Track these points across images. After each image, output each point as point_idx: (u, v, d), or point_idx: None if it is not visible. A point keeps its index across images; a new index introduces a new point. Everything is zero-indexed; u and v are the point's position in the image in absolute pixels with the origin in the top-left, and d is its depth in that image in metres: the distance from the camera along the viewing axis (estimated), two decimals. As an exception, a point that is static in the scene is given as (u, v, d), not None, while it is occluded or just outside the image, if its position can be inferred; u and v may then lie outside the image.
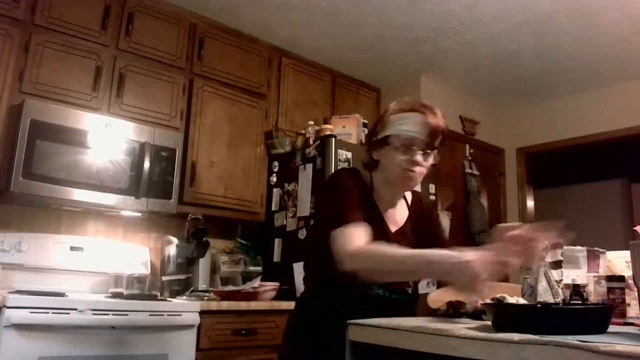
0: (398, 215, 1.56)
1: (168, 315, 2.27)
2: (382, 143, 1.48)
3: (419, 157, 1.43)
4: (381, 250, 1.30)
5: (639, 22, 3.08)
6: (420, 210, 1.63)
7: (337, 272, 1.30)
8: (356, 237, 1.32)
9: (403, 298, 1.48)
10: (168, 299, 2.52)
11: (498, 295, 1.44)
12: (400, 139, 1.43)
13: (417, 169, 1.44)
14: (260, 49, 3.39)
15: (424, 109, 1.44)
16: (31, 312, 1.95)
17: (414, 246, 1.48)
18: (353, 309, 1.35)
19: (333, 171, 2.90)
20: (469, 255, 1.10)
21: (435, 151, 1.48)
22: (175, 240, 2.88)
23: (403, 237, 1.52)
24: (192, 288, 2.75)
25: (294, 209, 3.04)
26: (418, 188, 1.66)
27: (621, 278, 1.51)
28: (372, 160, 1.53)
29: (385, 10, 3.07)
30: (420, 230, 1.59)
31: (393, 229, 1.52)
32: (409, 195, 1.64)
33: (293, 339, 1.54)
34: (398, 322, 1.20)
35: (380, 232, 1.46)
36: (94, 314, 2.07)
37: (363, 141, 3.32)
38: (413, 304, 1.53)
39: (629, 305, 1.48)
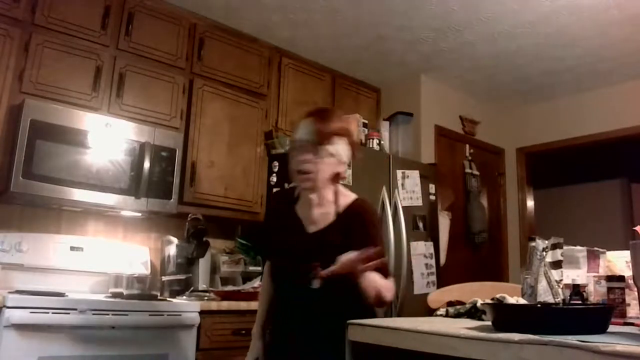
0: (317, 216, 1.63)
1: (168, 315, 2.28)
2: None
3: (306, 156, 1.54)
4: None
5: (639, 22, 3.08)
6: (352, 215, 1.61)
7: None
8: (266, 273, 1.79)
9: (316, 290, 1.47)
10: (168, 299, 2.52)
11: (498, 296, 1.45)
12: (291, 145, 1.62)
13: (307, 166, 1.54)
14: (260, 49, 3.39)
15: (314, 112, 1.63)
16: (31, 312, 1.95)
17: (341, 246, 1.44)
18: (286, 302, 1.66)
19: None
20: None
21: (337, 144, 1.57)
22: (175, 240, 2.88)
23: (322, 237, 1.59)
24: (192, 288, 2.75)
25: (294, 209, 3.03)
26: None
27: (621, 278, 1.51)
28: None
29: (385, 10, 3.07)
30: (354, 233, 1.56)
31: (311, 229, 1.62)
32: (346, 199, 1.65)
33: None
34: (398, 323, 1.20)
35: (298, 233, 1.63)
36: (94, 314, 2.07)
37: (363, 141, 3.32)
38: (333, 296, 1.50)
39: (629, 305, 1.48)
